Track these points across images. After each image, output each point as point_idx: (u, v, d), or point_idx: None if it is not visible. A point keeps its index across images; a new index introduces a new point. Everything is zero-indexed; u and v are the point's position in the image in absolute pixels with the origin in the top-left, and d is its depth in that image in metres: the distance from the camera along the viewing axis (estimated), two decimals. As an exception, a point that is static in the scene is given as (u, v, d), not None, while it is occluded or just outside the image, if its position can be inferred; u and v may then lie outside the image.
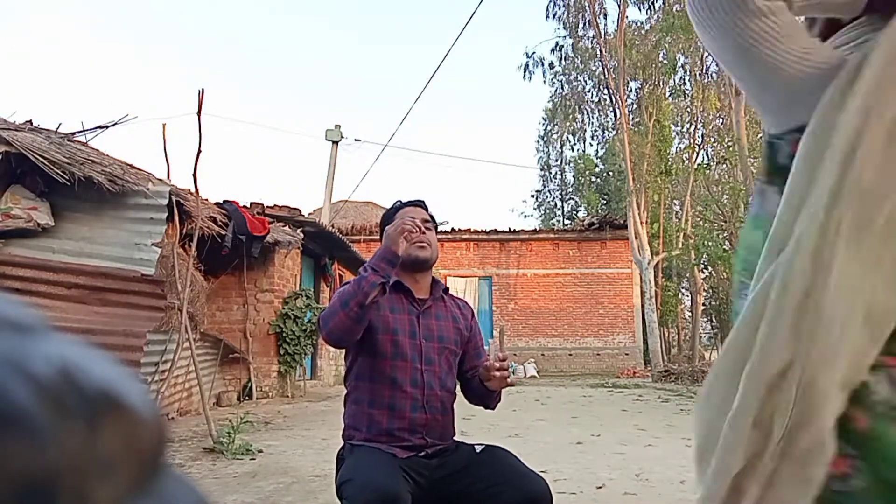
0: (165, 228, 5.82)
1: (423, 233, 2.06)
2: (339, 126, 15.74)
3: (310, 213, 11.20)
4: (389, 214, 2.14)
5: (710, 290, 21.52)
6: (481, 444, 1.99)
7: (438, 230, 2.31)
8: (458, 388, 2.12)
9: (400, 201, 2.19)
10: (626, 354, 17.87)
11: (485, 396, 2.08)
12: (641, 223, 15.62)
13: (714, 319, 23.81)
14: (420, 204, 2.18)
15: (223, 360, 8.32)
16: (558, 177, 29.46)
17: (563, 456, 4.85)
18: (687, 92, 19.41)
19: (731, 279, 11.26)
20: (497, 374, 1.92)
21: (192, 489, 0.28)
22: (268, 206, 9.21)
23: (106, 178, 5.43)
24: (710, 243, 12.86)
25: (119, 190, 5.52)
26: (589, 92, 22.42)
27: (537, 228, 22.00)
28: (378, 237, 2.22)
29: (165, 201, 5.75)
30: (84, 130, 6.52)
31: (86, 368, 0.23)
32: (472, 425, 5.88)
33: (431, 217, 2.16)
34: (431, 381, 1.97)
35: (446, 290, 2.18)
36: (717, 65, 15.74)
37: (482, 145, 54.33)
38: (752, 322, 0.86)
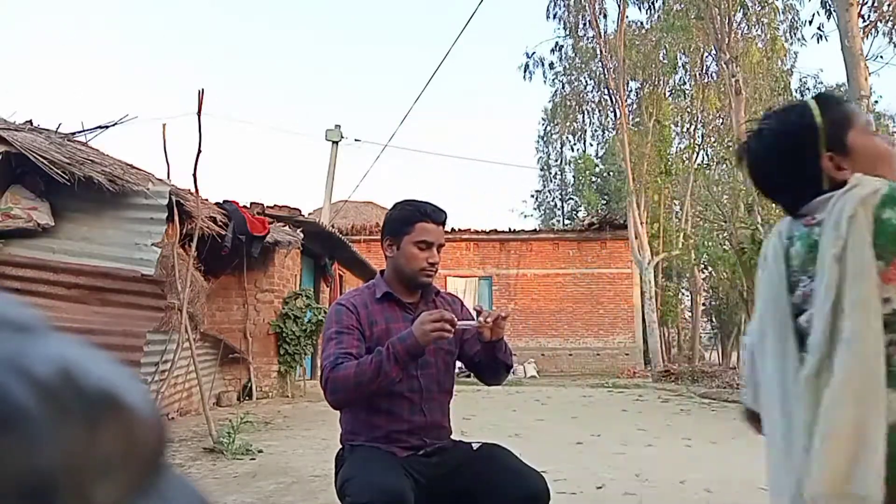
0: (165, 228, 5.82)
1: (436, 263, 2.00)
2: (339, 126, 15.73)
3: (310, 213, 11.19)
4: (404, 221, 1.99)
5: (710, 290, 21.49)
6: (479, 443, 2.00)
7: None
8: (455, 386, 2.11)
9: (427, 207, 2.00)
10: (626, 354, 17.86)
11: (494, 365, 2.00)
12: (641, 223, 15.62)
13: (714, 319, 23.76)
14: (442, 222, 2.01)
15: (223, 360, 8.32)
16: (558, 177, 29.46)
17: (563, 456, 4.84)
18: (687, 92, 19.40)
19: (731, 279, 11.25)
20: (488, 319, 1.85)
21: (192, 489, 0.28)
22: (268, 206, 9.20)
23: (106, 178, 5.42)
24: (710, 243, 12.84)
25: (119, 190, 5.51)
26: (589, 92, 22.45)
27: (537, 228, 22.00)
28: (378, 238, 2.19)
29: (165, 201, 5.74)
30: (84, 130, 6.52)
31: (86, 368, 0.24)
32: (473, 425, 5.88)
33: (443, 241, 2.05)
34: (429, 385, 1.97)
35: (438, 292, 2.13)
36: (716, 64, 15.75)
37: (482, 145, 54.28)
38: None
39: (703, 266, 19.30)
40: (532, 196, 30.09)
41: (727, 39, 12.27)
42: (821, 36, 13.36)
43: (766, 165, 1.28)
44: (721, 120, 19.00)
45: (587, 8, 17.34)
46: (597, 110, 24.52)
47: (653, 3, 17.19)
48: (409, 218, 1.98)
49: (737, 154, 1.33)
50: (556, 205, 29.80)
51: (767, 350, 1.22)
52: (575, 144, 28.24)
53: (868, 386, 1.06)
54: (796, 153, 1.24)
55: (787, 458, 1.14)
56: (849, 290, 1.09)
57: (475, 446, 1.96)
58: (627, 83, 17.18)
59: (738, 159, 1.34)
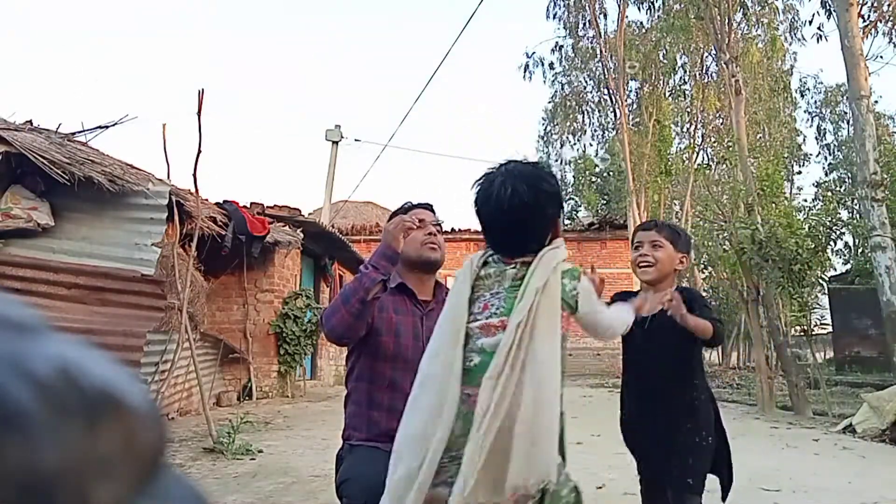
0: (165, 228, 5.81)
1: (436, 235, 2.06)
2: (339, 126, 15.72)
3: (310, 213, 11.19)
4: (397, 214, 2.12)
5: (710, 290, 21.48)
6: None
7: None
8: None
9: (410, 202, 2.17)
10: (627, 354, 17.86)
11: None
12: (641, 223, 15.60)
13: (714, 319, 23.72)
14: (428, 207, 2.17)
15: (223, 360, 8.32)
16: (558, 177, 29.43)
17: (563, 456, 4.84)
18: (687, 92, 19.41)
19: (731, 279, 11.25)
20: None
21: (192, 489, 0.28)
22: (268, 206, 9.20)
23: (106, 178, 5.42)
24: (710, 243, 12.85)
25: (119, 190, 5.51)
26: (589, 92, 22.44)
27: (537, 228, 21.94)
28: (379, 238, 2.21)
29: (165, 201, 5.74)
30: (84, 130, 6.52)
31: (86, 368, 0.23)
32: (472, 425, 5.87)
33: (439, 221, 2.16)
34: None
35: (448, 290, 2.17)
36: (716, 64, 15.75)
37: (482, 145, 54.28)
38: None
39: (703, 266, 19.29)
40: (532, 196, 30.00)
41: (727, 39, 12.27)
42: (821, 36, 13.39)
43: (524, 213, 1.48)
44: (721, 120, 19.00)
45: (587, 8, 17.35)
46: (597, 110, 24.53)
47: (653, 3, 17.20)
48: (401, 210, 2.13)
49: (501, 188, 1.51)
50: (555, 205, 29.75)
51: (443, 341, 1.45)
52: (575, 144, 28.27)
53: (555, 399, 1.37)
54: (549, 213, 1.53)
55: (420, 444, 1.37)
56: (544, 319, 1.39)
57: None
58: (627, 83, 17.18)
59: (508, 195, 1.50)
